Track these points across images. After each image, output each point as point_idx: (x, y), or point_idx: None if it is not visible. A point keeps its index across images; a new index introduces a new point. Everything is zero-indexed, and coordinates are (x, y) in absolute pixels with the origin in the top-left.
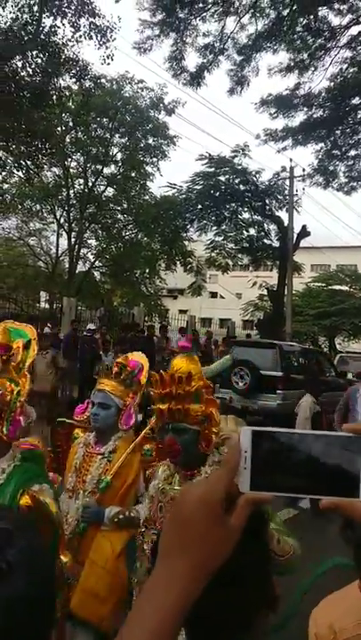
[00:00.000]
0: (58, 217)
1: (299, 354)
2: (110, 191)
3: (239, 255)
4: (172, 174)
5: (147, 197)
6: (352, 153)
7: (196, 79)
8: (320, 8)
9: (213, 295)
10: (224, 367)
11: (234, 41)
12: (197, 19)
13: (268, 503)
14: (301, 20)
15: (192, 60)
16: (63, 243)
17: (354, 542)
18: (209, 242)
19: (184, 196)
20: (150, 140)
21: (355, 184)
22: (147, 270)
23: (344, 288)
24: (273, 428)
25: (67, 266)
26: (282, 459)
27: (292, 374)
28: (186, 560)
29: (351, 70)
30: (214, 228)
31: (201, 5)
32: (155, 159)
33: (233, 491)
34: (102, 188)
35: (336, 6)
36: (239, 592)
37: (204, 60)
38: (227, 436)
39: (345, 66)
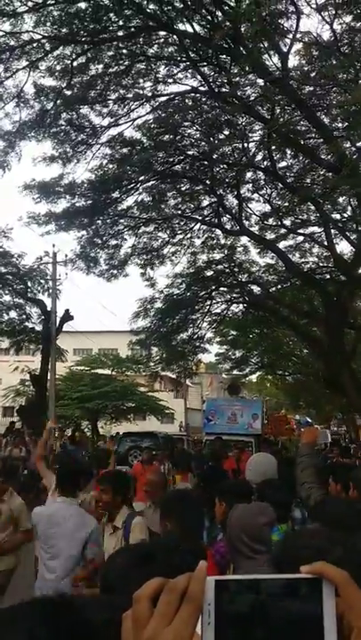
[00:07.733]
0: None
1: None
2: None
3: None
4: None
5: None
6: (113, 242)
7: None
8: (82, 107)
9: None
10: None
11: None
12: None
13: None
14: (64, 115)
15: None
16: None
17: None
18: None
19: None
20: None
21: (115, 271)
22: None
23: (107, 372)
24: (236, 576)
25: None
26: (245, 610)
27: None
28: None
29: (111, 166)
30: None
31: None
32: None
33: None
34: None
35: (97, 108)
36: None
37: None
38: None
39: (105, 161)
